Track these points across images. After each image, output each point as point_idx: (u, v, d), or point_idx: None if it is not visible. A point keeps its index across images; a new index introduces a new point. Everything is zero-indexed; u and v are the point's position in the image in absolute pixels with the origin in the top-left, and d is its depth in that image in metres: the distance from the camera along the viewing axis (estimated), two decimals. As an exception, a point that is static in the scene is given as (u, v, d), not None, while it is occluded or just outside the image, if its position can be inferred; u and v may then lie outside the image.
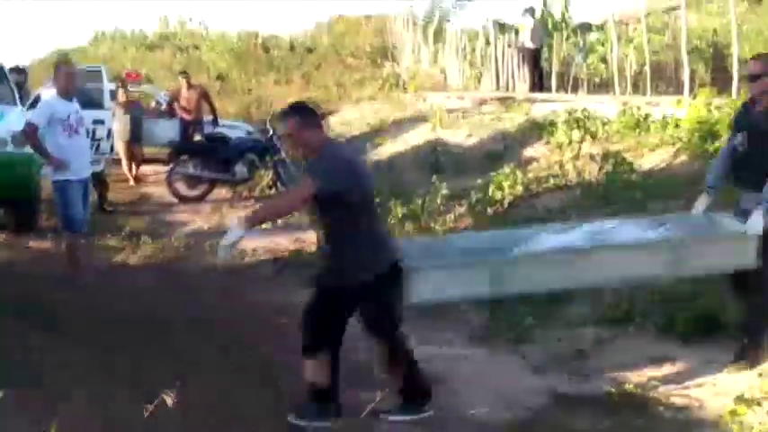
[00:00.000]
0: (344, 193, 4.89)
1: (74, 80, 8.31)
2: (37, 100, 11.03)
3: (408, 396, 5.27)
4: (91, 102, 12.20)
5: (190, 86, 16.90)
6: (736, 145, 5.74)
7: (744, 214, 5.52)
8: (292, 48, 30.32)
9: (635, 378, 5.90)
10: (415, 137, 16.93)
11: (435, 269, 5.40)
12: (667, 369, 6.03)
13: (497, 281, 5.36)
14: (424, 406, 5.27)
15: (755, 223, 5.34)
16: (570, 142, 12.51)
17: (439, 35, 22.86)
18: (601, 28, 19.29)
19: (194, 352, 5.38)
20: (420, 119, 18.00)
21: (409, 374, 5.27)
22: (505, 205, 11.17)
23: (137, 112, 15.91)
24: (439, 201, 11.53)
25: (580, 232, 5.91)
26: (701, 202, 5.90)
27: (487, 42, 20.51)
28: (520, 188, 11.45)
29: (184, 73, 17.93)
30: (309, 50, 29.74)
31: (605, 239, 5.69)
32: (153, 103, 18.48)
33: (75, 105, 8.16)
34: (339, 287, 5.04)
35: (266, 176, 14.40)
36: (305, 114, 5.20)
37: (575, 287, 6.17)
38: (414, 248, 5.74)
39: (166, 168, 14.59)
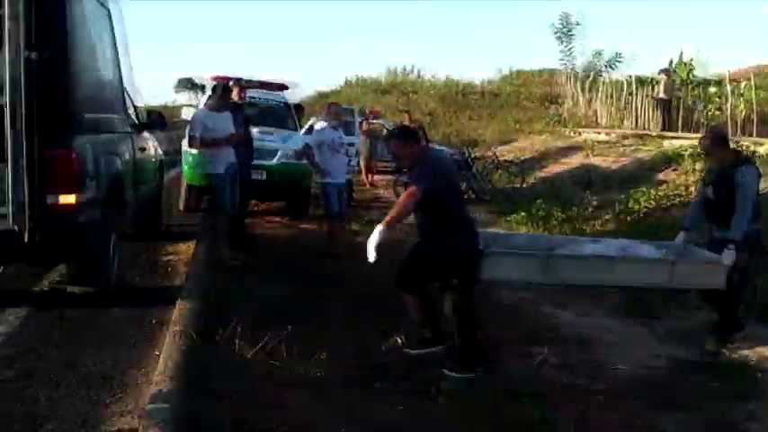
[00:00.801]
0: (440, 189, 4.82)
1: (341, 116, 8.78)
2: (311, 128, 11.61)
3: (467, 355, 4.96)
4: (346, 130, 12.69)
5: (410, 120, 17.42)
6: (707, 195, 5.89)
7: (716, 244, 5.62)
8: (483, 93, 30.33)
9: (739, 351, 5.72)
10: (572, 161, 16.76)
11: (507, 256, 5.45)
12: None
13: (548, 271, 5.39)
14: (478, 366, 4.95)
15: (727, 256, 5.40)
16: (693, 170, 12.03)
17: (593, 85, 22.30)
18: (718, 83, 18.35)
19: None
20: (576, 148, 17.78)
21: (473, 337, 4.99)
22: (641, 215, 10.91)
23: (374, 137, 16.45)
24: (590, 209, 11.43)
25: (614, 245, 5.96)
26: (680, 238, 5.99)
27: (630, 93, 19.89)
28: (653, 203, 11.20)
29: (407, 111, 18.46)
30: (495, 95, 29.68)
31: (628, 253, 5.73)
32: (384, 131, 19.00)
33: (339, 133, 8.59)
34: (439, 258, 4.94)
35: (461, 185, 14.64)
36: (404, 135, 5.16)
37: (600, 284, 6.10)
38: (484, 237, 5.66)
39: (392, 177, 15.03)
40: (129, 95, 7.07)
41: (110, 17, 6.37)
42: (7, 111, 4.35)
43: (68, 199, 4.83)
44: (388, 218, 4.67)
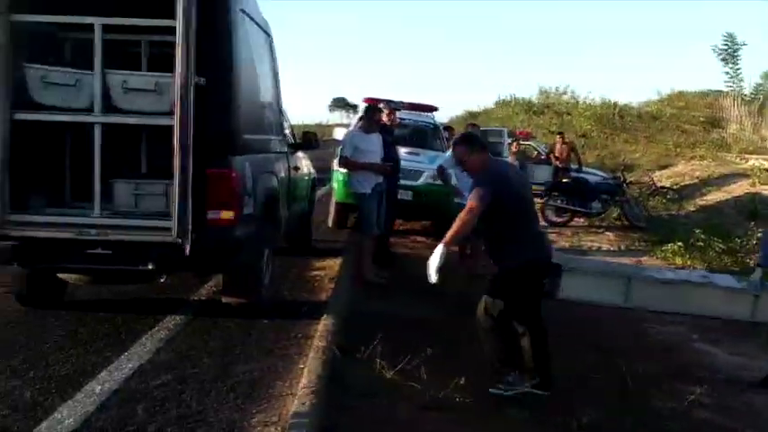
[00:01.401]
0: (500, 198, 4.59)
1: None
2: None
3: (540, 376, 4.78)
4: (495, 152, 12.63)
5: (563, 142, 17.15)
6: None
7: None
8: (640, 116, 29.20)
9: None
10: (736, 189, 15.78)
11: (587, 275, 5.25)
12: None
13: (628, 294, 5.34)
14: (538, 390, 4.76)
15: None
16: None
17: (761, 109, 21.00)
18: None
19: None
20: (741, 175, 16.77)
21: (545, 357, 4.80)
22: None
23: (523, 159, 16.27)
24: (754, 241, 10.66)
25: (696, 274, 5.87)
26: (757, 275, 5.81)
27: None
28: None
29: (560, 133, 18.16)
30: (654, 118, 28.47)
31: (711, 281, 5.61)
32: (535, 153, 18.78)
33: None
34: (515, 270, 4.70)
35: (615, 211, 14.18)
36: (471, 142, 4.97)
37: (680, 312, 5.88)
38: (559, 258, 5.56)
39: (541, 200, 14.79)
40: (285, 117, 7.43)
41: (271, 42, 6.73)
42: (176, 131, 4.69)
43: (227, 215, 5.14)
44: (447, 236, 4.46)
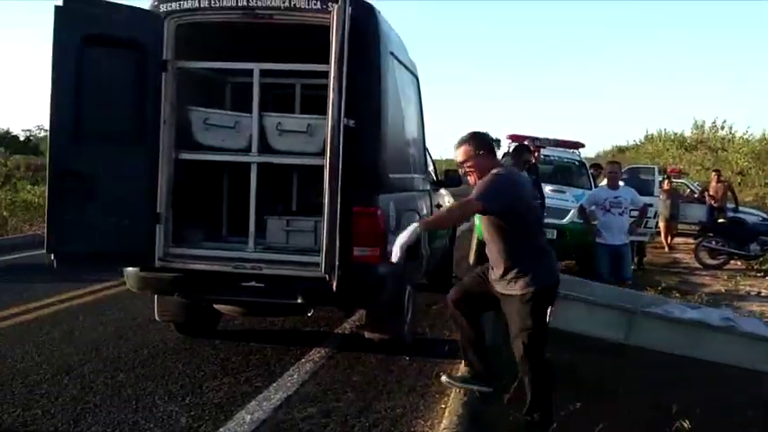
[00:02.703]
0: (507, 211, 4.16)
1: (614, 177, 8.53)
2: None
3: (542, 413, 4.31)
4: (646, 190, 12.20)
5: (719, 180, 16.38)
6: None
7: None
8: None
9: None
10: None
11: (580, 302, 4.73)
12: None
13: (631, 330, 4.68)
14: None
15: None
16: None
17: None
18: None
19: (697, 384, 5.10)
20: None
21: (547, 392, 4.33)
22: None
23: (675, 197, 15.64)
24: None
25: (716, 314, 5.10)
26: None
27: None
28: None
29: (717, 170, 17.37)
30: (821, 154, 26.57)
31: (733, 326, 4.86)
32: (687, 191, 18.01)
33: (618, 192, 8.33)
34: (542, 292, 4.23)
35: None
36: (479, 142, 4.36)
37: (690, 355, 5.09)
38: (564, 284, 4.89)
39: (695, 241, 14.12)
40: (429, 155, 7.55)
41: (417, 84, 6.88)
42: (326, 171, 4.88)
43: (372, 252, 5.27)
44: (429, 219, 4.30)
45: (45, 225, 5.24)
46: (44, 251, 5.09)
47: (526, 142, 8.82)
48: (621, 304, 4.99)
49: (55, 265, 5.18)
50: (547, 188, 9.54)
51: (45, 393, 4.90)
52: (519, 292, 4.23)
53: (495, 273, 4.39)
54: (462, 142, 4.37)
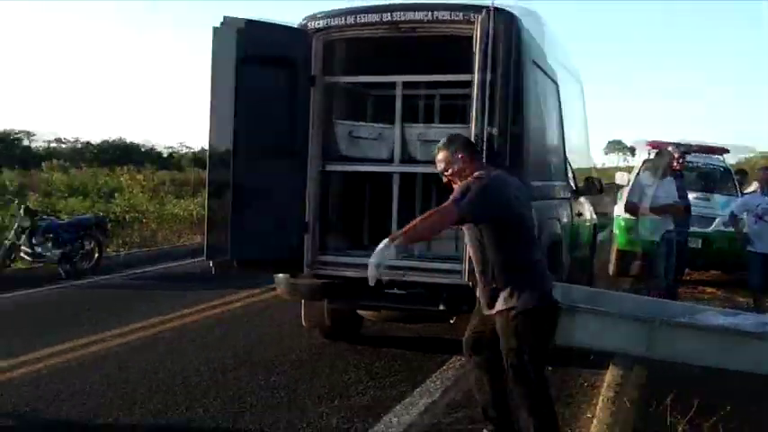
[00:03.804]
0: (487, 220, 3.71)
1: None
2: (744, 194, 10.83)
3: None
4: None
5: None
6: None
7: None
8: None
9: None
10: None
11: (596, 315, 4.16)
12: None
13: (653, 342, 4.08)
14: None
15: None
16: None
17: None
18: None
19: None
20: None
21: (550, 417, 3.89)
22: None
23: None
24: None
25: (751, 319, 4.51)
26: None
27: None
28: None
29: None
30: None
31: None
32: None
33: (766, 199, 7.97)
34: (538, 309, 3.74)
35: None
36: (457, 145, 3.91)
37: (724, 366, 4.42)
38: (579, 295, 4.59)
39: None
40: (569, 163, 7.47)
41: (557, 91, 6.85)
42: (469, 180, 4.95)
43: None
44: (402, 231, 3.68)
45: (205, 235, 5.60)
46: (193, 260, 5.45)
47: (669, 148, 8.54)
48: (638, 315, 4.45)
49: (213, 272, 5.53)
50: (691, 195, 9.20)
51: (204, 394, 5.22)
52: (500, 307, 3.78)
53: (478, 289, 4.00)
54: (440, 148, 3.95)
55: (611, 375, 5.37)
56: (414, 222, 3.69)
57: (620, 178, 10.93)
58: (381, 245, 3.56)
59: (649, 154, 10.78)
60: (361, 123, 5.99)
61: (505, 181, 3.85)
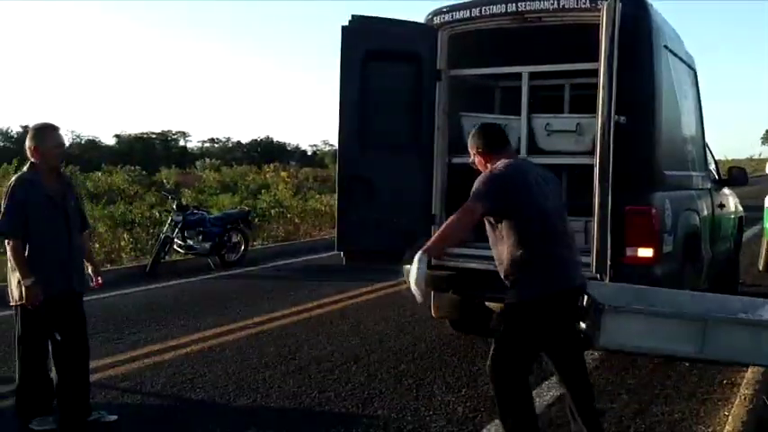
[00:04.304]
0: (510, 210, 3.56)
1: None
2: None
3: None
4: None
5: None
6: None
7: None
8: None
9: None
10: None
11: (640, 315, 3.72)
12: None
13: (704, 342, 3.62)
14: None
15: None
16: None
17: None
18: None
19: None
20: None
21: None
22: None
23: None
24: None
25: None
26: None
27: None
28: None
29: None
30: None
31: None
32: None
33: None
34: (529, 303, 3.57)
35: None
36: (488, 136, 3.85)
37: None
38: (625, 294, 4.13)
39: None
40: (710, 151, 7.14)
41: (695, 77, 6.57)
42: (596, 170, 4.87)
43: (646, 252, 5.13)
44: (430, 242, 3.55)
45: (336, 227, 5.81)
46: (333, 253, 5.65)
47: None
48: (687, 312, 4.09)
49: (344, 262, 5.73)
50: None
51: (336, 379, 5.44)
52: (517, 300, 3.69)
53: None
54: (473, 136, 3.94)
55: (751, 373, 5.12)
56: (441, 227, 3.68)
57: (771, 168, 10.32)
58: (415, 262, 3.41)
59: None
60: (488, 115, 5.99)
61: (522, 170, 3.76)
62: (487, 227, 3.75)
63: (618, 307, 3.80)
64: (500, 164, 3.72)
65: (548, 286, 3.59)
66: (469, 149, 3.92)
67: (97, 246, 11.39)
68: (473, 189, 3.62)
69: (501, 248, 3.68)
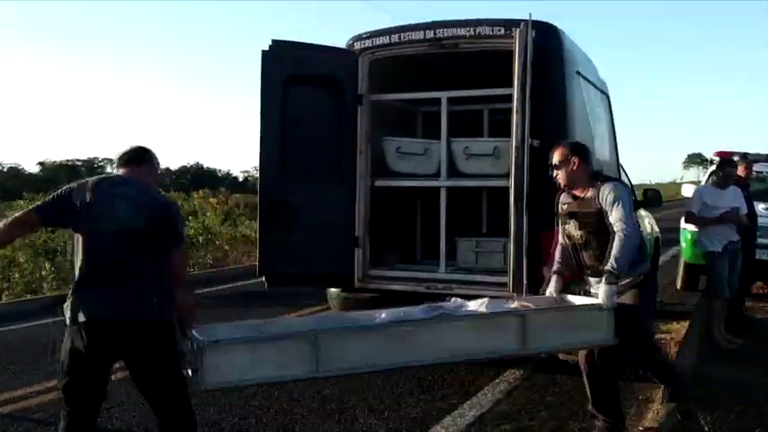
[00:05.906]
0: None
1: None
2: None
3: None
4: None
5: None
6: None
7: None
8: None
9: None
10: None
11: (241, 345, 3.60)
12: None
13: (318, 357, 3.55)
14: None
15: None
16: None
17: None
18: None
19: None
20: None
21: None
22: None
23: None
24: None
25: (417, 310, 4.12)
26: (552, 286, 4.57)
27: None
28: None
29: None
30: None
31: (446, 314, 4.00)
32: None
33: None
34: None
35: None
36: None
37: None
38: (243, 330, 3.99)
39: None
40: (626, 174, 7.41)
41: (609, 102, 6.83)
42: (511, 192, 5.02)
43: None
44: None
45: (257, 252, 5.81)
46: (258, 280, 5.64)
47: (735, 158, 8.35)
48: (294, 331, 3.94)
49: (266, 286, 5.72)
50: (760, 206, 8.93)
51: (258, 405, 5.39)
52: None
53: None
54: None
55: (662, 390, 5.28)
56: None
57: (687, 190, 10.72)
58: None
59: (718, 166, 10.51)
60: (408, 139, 6.12)
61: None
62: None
63: (218, 340, 3.57)
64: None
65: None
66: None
67: (17, 276, 11.04)
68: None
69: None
